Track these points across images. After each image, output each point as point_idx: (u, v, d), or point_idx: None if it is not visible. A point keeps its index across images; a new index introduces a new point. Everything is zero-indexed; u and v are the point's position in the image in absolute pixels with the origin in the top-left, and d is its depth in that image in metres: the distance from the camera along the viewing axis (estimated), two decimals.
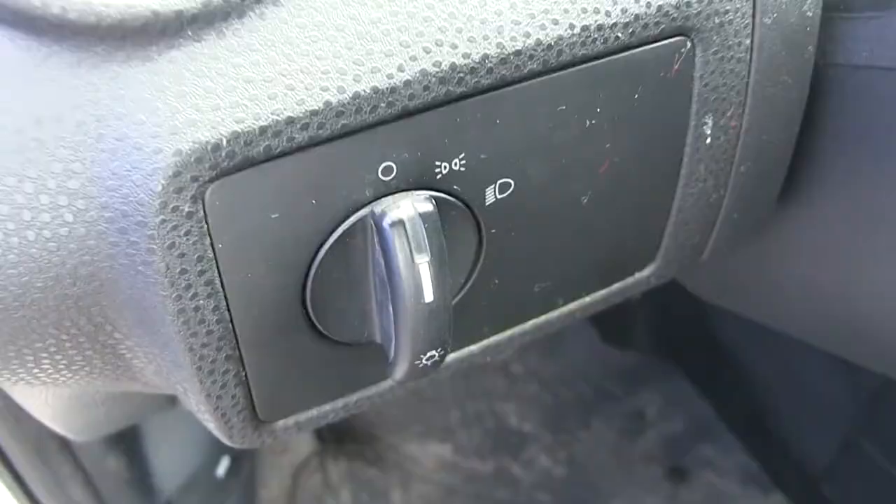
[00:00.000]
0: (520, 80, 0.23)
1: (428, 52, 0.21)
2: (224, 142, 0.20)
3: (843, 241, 0.34)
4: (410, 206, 0.22)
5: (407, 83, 0.21)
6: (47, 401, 0.37)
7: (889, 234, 0.31)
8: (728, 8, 0.25)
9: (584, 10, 0.23)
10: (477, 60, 0.22)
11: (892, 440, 0.71)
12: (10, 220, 0.19)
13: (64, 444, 0.55)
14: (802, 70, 0.29)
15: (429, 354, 0.24)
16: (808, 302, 0.38)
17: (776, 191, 0.32)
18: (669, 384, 1.14)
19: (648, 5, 0.24)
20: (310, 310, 0.24)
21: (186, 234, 0.20)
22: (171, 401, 0.40)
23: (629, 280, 0.31)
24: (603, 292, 0.31)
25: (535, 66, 0.23)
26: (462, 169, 0.23)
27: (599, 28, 0.23)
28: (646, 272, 0.31)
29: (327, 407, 0.28)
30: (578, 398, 1.13)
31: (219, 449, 0.75)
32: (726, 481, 1.00)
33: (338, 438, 1.01)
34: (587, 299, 0.31)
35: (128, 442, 0.65)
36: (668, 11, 0.24)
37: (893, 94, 0.28)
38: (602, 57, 0.24)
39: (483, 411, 1.11)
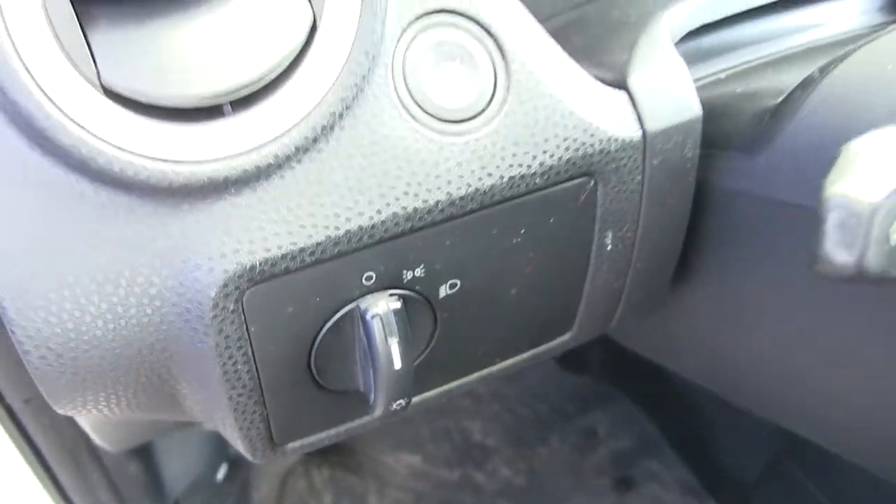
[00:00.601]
0: (463, 215, 0.30)
1: (398, 200, 0.28)
2: (257, 264, 0.27)
3: (722, 316, 0.41)
4: (385, 304, 0.29)
5: (383, 222, 0.28)
6: (95, 423, 0.44)
7: (752, 318, 0.38)
8: (623, 156, 0.32)
9: (511, 165, 0.30)
10: (432, 204, 0.29)
11: (811, 460, 0.77)
12: (108, 313, 0.26)
13: (94, 451, 0.60)
14: (685, 195, 0.35)
15: (397, 402, 0.31)
16: (703, 360, 0.45)
17: (667, 280, 0.39)
18: (619, 406, 1.18)
19: (560, 159, 0.31)
20: (313, 370, 0.31)
21: (231, 323, 0.28)
22: (188, 423, 0.47)
23: (552, 343, 0.38)
24: (531, 353, 0.38)
25: (474, 205, 0.30)
26: (422, 274, 0.31)
27: (522, 177, 0.30)
28: (565, 337, 0.38)
29: (323, 434, 0.35)
30: (537, 417, 1.16)
31: (218, 457, 0.80)
32: (668, 492, 1.05)
33: (322, 449, 1.06)
34: (519, 358, 0.38)
35: (144, 451, 0.71)
36: (575, 162, 0.31)
37: (752, 216, 0.35)
38: (525, 196, 0.32)
39: (451, 427, 1.12)
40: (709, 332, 0.41)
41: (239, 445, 0.33)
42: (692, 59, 0.39)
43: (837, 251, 0.18)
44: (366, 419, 0.35)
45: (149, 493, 0.68)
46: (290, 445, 0.34)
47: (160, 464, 0.69)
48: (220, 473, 0.77)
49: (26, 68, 0.23)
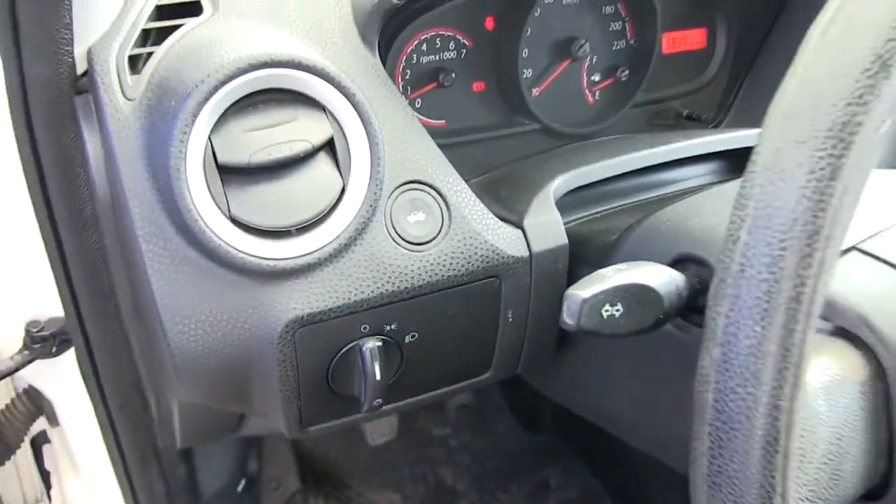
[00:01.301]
0: (421, 296, 0.49)
1: (383, 286, 0.48)
2: (305, 316, 0.47)
3: (587, 362, 0.60)
4: (373, 343, 0.49)
5: (373, 297, 0.48)
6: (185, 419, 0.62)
7: (602, 364, 0.57)
8: (517, 266, 0.52)
9: (450, 270, 0.50)
10: (402, 290, 0.48)
11: None
12: (222, 338, 0.46)
13: (156, 452, 0.75)
14: (558, 291, 0.54)
15: (376, 401, 0.50)
16: (581, 396, 0.64)
17: (552, 342, 0.57)
18: (569, 461, 1.30)
19: (479, 267, 0.50)
20: (329, 380, 0.50)
21: (287, 347, 0.47)
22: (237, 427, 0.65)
23: (479, 378, 0.57)
24: (466, 383, 0.57)
25: (426, 291, 0.49)
26: (395, 328, 0.50)
27: (456, 276, 0.50)
28: (486, 375, 0.57)
29: (332, 423, 0.53)
30: (500, 468, 1.29)
31: (240, 472, 0.98)
32: None
33: (317, 482, 1.22)
34: (458, 385, 0.57)
35: (188, 458, 0.85)
36: (487, 269, 0.51)
37: None
38: (457, 287, 0.51)
39: (427, 472, 1.25)
40: (582, 376, 0.61)
41: (282, 426, 0.52)
42: (578, 204, 0.59)
43: (566, 319, 0.38)
44: (358, 415, 0.54)
45: (190, 490, 0.85)
46: (312, 429, 0.53)
47: (198, 469, 0.86)
48: (240, 487, 0.94)
49: (195, 208, 0.44)
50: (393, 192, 0.48)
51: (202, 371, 0.47)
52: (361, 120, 0.47)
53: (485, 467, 1.29)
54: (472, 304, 0.51)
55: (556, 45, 0.67)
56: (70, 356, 0.64)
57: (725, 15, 0.73)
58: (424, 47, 0.63)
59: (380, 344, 0.49)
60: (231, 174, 0.44)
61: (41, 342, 0.62)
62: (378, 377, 0.48)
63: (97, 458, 0.72)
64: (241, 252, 0.44)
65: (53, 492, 0.83)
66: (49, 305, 0.61)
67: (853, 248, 0.38)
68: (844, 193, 0.27)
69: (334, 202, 0.46)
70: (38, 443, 0.84)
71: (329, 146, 0.46)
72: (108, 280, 0.56)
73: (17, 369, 0.63)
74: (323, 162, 0.46)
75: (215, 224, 0.44)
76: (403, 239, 0.48)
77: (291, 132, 0.45)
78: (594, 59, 0.70)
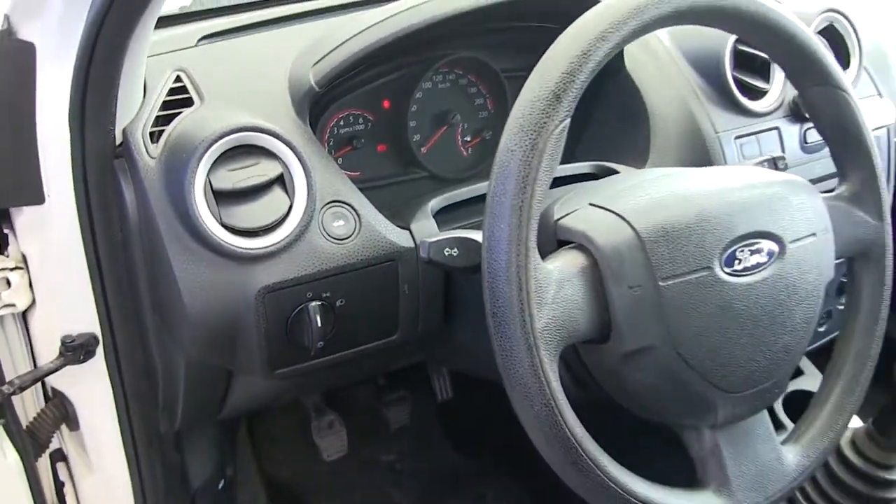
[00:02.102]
0: (344, 273, 0.80)
1: (319, 266, 0.79)
2: (271, 285, 0.76)
3: (464, 324, 0.92)
4: (315, 304, 0.77)
5: (313, 273, 0.79)
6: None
7: (473, 325, 0.88)
8: (408, 253, 0.84)
9: (362, 255, 0.82)
10: (331, 268, 0.80)
11: None
12: (216, 301, 0.77)
13: (160, 440, 0.95)
14: (437, 270, 0.88)
15: (319, 344, 0.78)
16: (464, 356, 0.95)
17: (440, 308, 0.86)
18: (503, 480, 1.54)
19: (382, 254, 0.80)
20: (287, 331, 0.79)
21: (259, 306, 0.76)
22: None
23: (390, 339, 0.86)
24: (382, 342, 0.86)
25: (347, 270, 0.80)
26: (329, 295, 0.79)
27: (366, 259, 0.80)
28: (395, 337, 0.84)
29: (291, 368, 0.80)
30: (442, 487, 1.54)
31: (220, 473, 1.22)
32: None
33: (282, 497, 1.45)
34: (375, 344, 0.87)
35: (180, 449, 1.09)
36: (388, 256, 0.81)
37: (461, 279, 0.88)
38: (367, 267, 0.81)
39: (376, 493, 1.50)
40: (463, 337, 0.92)
41: (257, 370, 0.83)
42: (459, 218, 0.92)
43: (422, 255, 0.69)
44: (309, 362, 0.83)
45: (182, 479, 1.13)
46: (277, 371, 0.83)
47: (188, 461, 1.13)
48: (220, 485, 1.22)
49: (201, 218, 0.76)
50: (323, 207, 0.80)
51: (206, 326, 0.77)
52: (300, 163, 0.78)
53: (428, 487, 1.53)
54: (379, 279, 0.82)
55: (436, 117, 1.01)
56: (92, 365, 0.88)
57: None
58: (342, 122, 0.97)
59: (319, 304, 0.79)
60: (222, 197, 0.75)
61: (73, 350, 0.83)
62: (319, 325, 0.78)
63: (109, 454, 0.94)
64: (230, 245, 0.75)
65: (68, 497, 1.03)
66: (79, 323, 0.84)
67: (589, 203, 0.69)
68: (540, 162, 0.60)
69: (285, 214, 0.77)
70: (55, 459, 1.04)
71: (280, 180, 0.78)
72: (133, 290, 0.84)
73: (55, 370, 0.87)
74: (277, 189, 0.78)
75: (213, 228, 0.75)
76: (331, 236, 0.80)
77: (256, 171, 0.77)
78: (465, 125, 1.05)
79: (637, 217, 0.66)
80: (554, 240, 0.69)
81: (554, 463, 0.63)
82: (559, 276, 0.63)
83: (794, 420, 1.14)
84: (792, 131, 1.07)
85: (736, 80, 1.03)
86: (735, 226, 0.67)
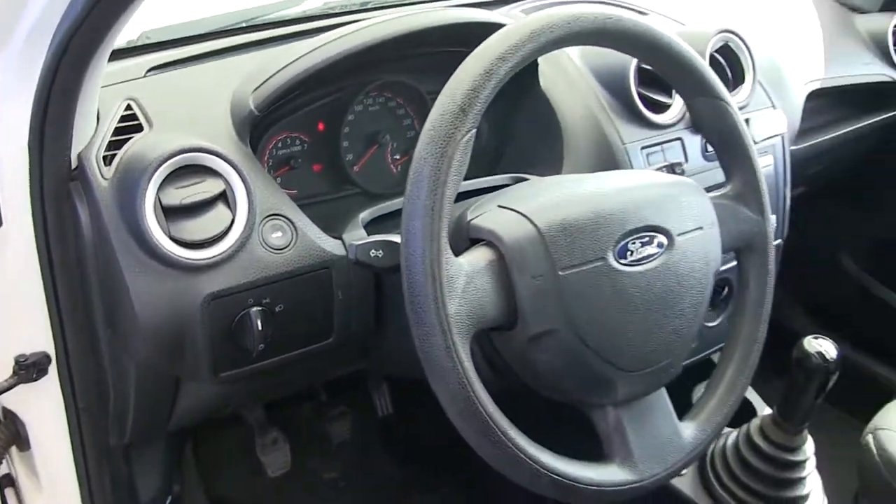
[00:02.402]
0: (282, 280, 0.89)
1: (259, 273, 0.88)
2: (215, 292, 0.85)
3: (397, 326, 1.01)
4: (256, 310, 0.86)
5: (253, 281, 0.88)
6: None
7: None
8: (340, 263, 0.91)
9: (300, 263, 0.90)
10: (270, 276, 0.87)
11: None
12: (165, 308, 0.85)
13: (107, 453, 1.00)
14: (368, 277, 0.96)
15: (259, 346, 0.86)
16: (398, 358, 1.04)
17: (372, 311, 0.93)
18: (442, 492, 1.64)
19: (315, 262, 0.89)
20: (232, 338, 0.86)
21: (205, 312, 0.83)
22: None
23: (326, 342, 0.94)
24: (319, 345, 0.94)
25: (285, 277, 0.89)
26: (269, 301, 0.88)
27: (302, 268, 0.88)
28: (330, 340, 0.91)
29: (236, 371, 0.88)
30: (383, 501, 1.64)
31: (168, 489, 1.27)
32: None
33: None
34: (314, 346, 0.95)
35: (128, 462, 1.13)
36: (322, 263, 0.89)
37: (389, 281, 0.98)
38: (303, 274, 0.89)
39: None
40: (393, 338, 1.02)
41: (204, 374, 0.91)
42: (383, 227, 1.02)
43: (349, 256, 0.79)
44: (252, 365, 0.91)
45: (130, 493, 1.18)
46: (222, 374, 0.91)
47: (136, 475, 1.18)
48: (168, 501, 1.29)
49: (151, 232, 0.82)
50: (262, 220, 0.88)
51: (156, 333, 0.83)
52: (241, 180, 0.86)
53: (370, 500, 1.62)
54: (315, 285, 0.90)
55: (367, 137, 1.11)
56: (44, 382, 0.90)
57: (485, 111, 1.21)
58: (280, 144, 1.05)
59: (260, 309, 0.87)
60: (170, 212, 0.82)
61: (25, 369, 0.88)
62: (260, 329, 0.86)
63: (59, 472, 0.99)
64: (178, 256, 0.82)
65: None
66: (32, 342, 0.89)
67: (498, 206, 0.79)
68: (449, 168, 0.71)
69: (228, 227, 0.85)
70: (2, 485, 1.11)
71: (223, 195, 0.86)
72: (87, 306, 0.90)
73: (7, 389, 0.90)
74: (221, 204, 0.86)
75: (162, 241, 0.82)
76: (270, 247, 0.88)
77: (201, 188, 0.85)
78: (394, 144, 1.14)
79: (539, 216, 0.76)
80: (467, 238, 0.79)
81: (469, 436, 0.72)
82: (469, 268, 0.72)
83: None
84: (694, 141, 1.18)
85: (640, 96, 1.14)
86: (627, 221, 0.78)
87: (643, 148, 1.13)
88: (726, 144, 0.91)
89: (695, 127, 0.90)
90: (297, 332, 0.93)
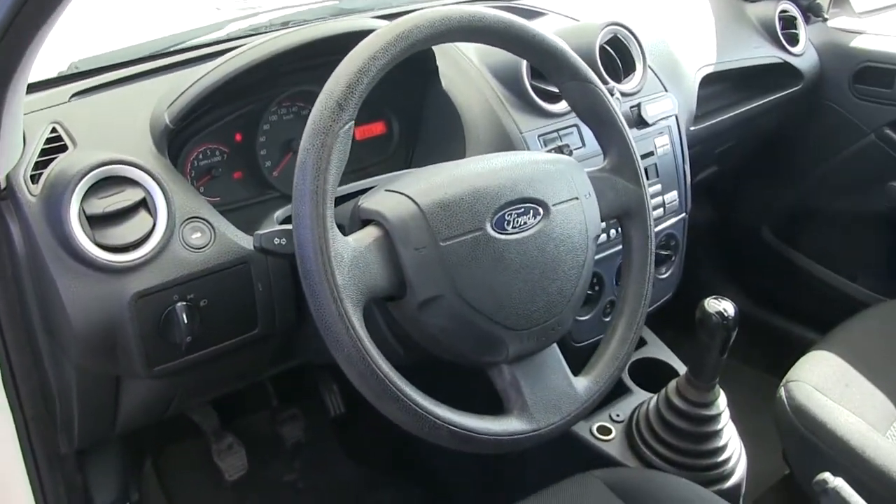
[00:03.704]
0: (203, 277, 0.99)
1: (181, 271, 0.97)
2: (143, 291, 0.93)
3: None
4: (182, 305, 0.94)
5: (175, 279, 0.97)
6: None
7: None
8: (257, 258, 0.99)
9: (219, 259, 0.98)
10: (192, 273, 0.96)
11: None
12: (95, 311, 0.92)
13: (59, 461, 1.07)
14: (285, 269, 1.04)
15: (187, 339, 0.94)
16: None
17: (293, 302, 0.99)
18: (396, 487, 1.71)
19: (235, 259, 0.97)
20: (161, 334, 0.94)
21: (133, 309, 0.92)
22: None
23: (251, 333, 1.01)
24: (245, 336, 1.01)
25: (205, 273, 0.99)
26: (193, 296, 0.97)
27: (223, 263, 0.97)
28: (255, 331, 0.97)
29: (169, 364, 0.95)
30: (340, 500, 1.69)
31: (125, 497, 1.32)
32: None
33: None
34: (241, 338, 1.03)
35: (83, 470, 1.20)
36: (240, 259, 0.98)
37: None
38: (224, 270, 1.00)
39: None
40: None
41: (138, 369, 0.98)
42: None
43: (254, 244, 0.85)
44: (182, 358, 0.98)
45: (86, 501, 1.24)
46: (156, 368, 0.97)
47: (92, 484, 1.23)
48: None
49: (78, 240, 0.89)
50: (182, 223, 0.96)
51: (89, 334, 0.90)
52: (160, 188, 0.95)
53: (329, 499, 1.67)
54: (235, 280, 0.98)
55: (283, 144, 1.19)
56: None
57: (393, 112, 1.28)
58: (201, 155, 1.13)
59: (185, 304, 0.95)
60: (94, 221, 0.88)
61: None
62: (185, 322, 0.93)
63: (12, 483, 1.03)
64: (104, 260, 0.89)
65: None
66: None
67: (385, 190, 0.87)
68: (330, 156, 0.79)
69: (150, 231, 0.93)
70: None
71: (144, 203, 0.94)
72: (27, 318, 0.98)
73: None
74: (142, 211, 0.94)
75: (89, 247, 0.89)
76: (190, 247, 0.96)
77: (122, 197, 0.93)
78: None
79: (420, 195, 0.85)
80: (359, 222, 0.87)
81: (369, 396, 0.79)
82: (356, 244, 0.81)
83: (641, 386, 1.36)
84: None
85: (534, 88, 1.24)
86: (502, 195, 0.87)
87: (541, 136, 1.22)
88: (599, 123, 1.00)
89: (571, 108, 0.99)
90: (223, 324, 1.00)
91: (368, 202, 0.87)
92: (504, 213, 0.86)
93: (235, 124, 1.16)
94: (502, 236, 0.85)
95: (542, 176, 0.90)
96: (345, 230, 0.85)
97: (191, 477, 1.61)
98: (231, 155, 1.16)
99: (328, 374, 1.66)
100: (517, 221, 0.87)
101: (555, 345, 0.94)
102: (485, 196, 0.85)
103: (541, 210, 0.88)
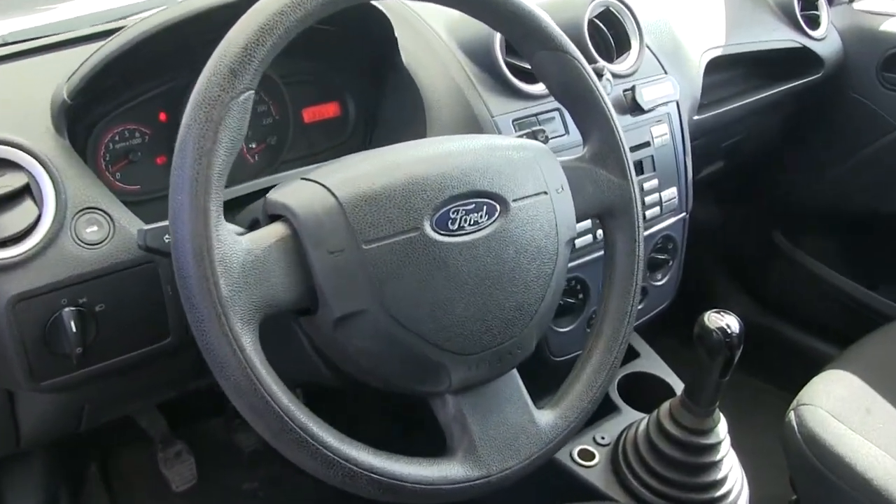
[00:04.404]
0: (97, 278, 0.84)
1: (70, 272, 0.83)
2: (22, 292, 0.79)
3: None
4: (69, 310, 0.80)
5: (62, 279, 0.82)
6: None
7: None
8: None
9: (118, 257, 0.85)
10: (83, 273, 0.82)
11: None
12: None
13: None
14: None
15: (78, 350, 0.80)
16: None
17: None
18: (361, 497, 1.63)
19: (137, 256, 0.85)
20: (46, 339, 0.80)
21: (9, 313, 0.79)
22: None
23: (163, 343, 0.88)
24: (154, 346, 0.89)
25: (103, 273, 0.84)
26: (87, 300, 0.84)
27: (124, 261, 0.85)
28: (167, 341, 0.86)
29: (60, 379, 0.82)
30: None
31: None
32: None
33: None
34: (148, 349, 0.87)
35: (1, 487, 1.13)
36: (143, 259, 0.86)
37: None
38: (126, 270, 0.85)
39: None
40: None
41: (21, 382, 0.83)
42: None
43: (137, 242, 0.71)
44: (73, 374, 0.84)
45: None
46: (43, 383, 0.83)
47: (9, 499, 1.13)
48: None
49: None
50: (75, 214, 0.83)
51: None
52: (48, 173, 0.82)
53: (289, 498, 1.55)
54: (139, 282, 0.84)
55: None
56: None
57: (348, 91, 1.14)
58: (117, 137, 0.99)
59: (76, 310, 0.81)
60: None
61: None
62: (74, 331, 0.80)
63: None
64: None
65: None
66: None
67: (301, 178, 0.73)
68: (216, 133, 0.64)
69: (34, 222, 0.80)
70: None
71: (28, 190, 0.81)
72: None
73: None
74: (26, 199, 0.80)
75: None
76: (84, 242, 0.82)
77: (2, 182, 0.80)
78: (249, 132, 1.08)
79: (341, 186, 0.70)
80: (266, 217, 0.73)
81: (266, 435, 0.65)
82: (251, 245, 0.66)
83: (631, 404, 1.21)
84: None
85: (509, 65, 1.08)
86: (447, 187, 0.72)
87: (515, 120, 1.07)
88: (577, 102, 0.85)
89: (543, 83, 0.84)
90: (125, 333, 0.87)
91: (276, 193, 0.73)
92: (448, 210, 0.71)
93: (158, 102, 1.01)
94: (445, 238, 0.71)
95: (500, 165, 0.75)
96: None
97: (140, 485, 1.48)
98: (154, 137, 1.02)
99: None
100: (466, 220, 0.72)
101: (513, 371, 0.79)
102: (424, 188, 0.70)
103: (497, 207, 0.74)
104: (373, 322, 0.68)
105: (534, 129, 1.05)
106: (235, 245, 0.65)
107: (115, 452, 1.51)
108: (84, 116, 0.93)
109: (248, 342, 0.63)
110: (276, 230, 0.69)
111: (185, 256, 0.63)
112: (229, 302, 0.63)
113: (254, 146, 1.09)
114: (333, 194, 0.69)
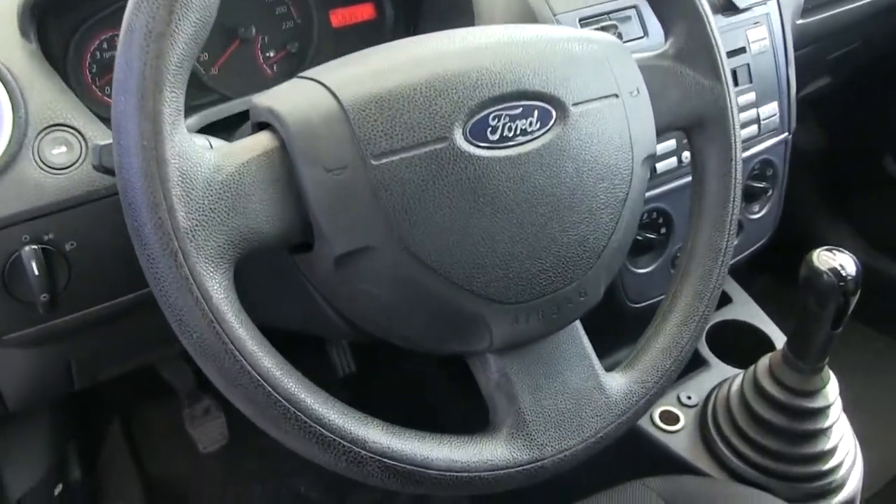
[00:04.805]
0: (61, 211, 0.70)
1: (35, 199, 0.69)
2: None
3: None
4: (31, 248, 0.68)
5: (28, 210, 0.69)
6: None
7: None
8: None
9: (84, 184, 0.71)
10: (47, 205, 0.68)
11: None
12: None
13: None
14: None
15: (43, 296, 0.67)
16: None
17: None
18: None
19: (111, 182, 0.72)
20: (8, 289, 0.69)
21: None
22: None
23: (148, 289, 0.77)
24: (142, 292, 0.76)
25: (64, 206, 0.70)
26: (53, 237, 0.71)
27: (90, 192, 0.71)
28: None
29: (27, 331, 0.71)
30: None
31: (56, 477, 1.16)
32: None
33: (162, 497, 1.37)
34: (135, 294, 0.76)
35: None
36: None
37: None
38: (86, 204, 0.71)
39: (279, 484, 1.42)
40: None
41: None
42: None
43: (93, 161, 0.55)
44: (39, 326, 0.71)
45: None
46: (6, 337, 0.71)
47: (4, 468, 1.05)
48: (57, 490, 1.12)
49: None
50: (40, 133, 0.69)
51: None
52: (3, 82, 0.68)
53: (334, 475, 1.48)
54: (120, 215, 0.72)
55: (224, 31, 0.89)
56: None
57: None
58: (105, 45, 0.84)
59: (40, 247, 0.68)
60: None
61: None
62: (37, 273, 0.67)
63: None
64: None
65: None
66: None
67: (297, 76, 0.56)
68: (171, 13, 0.46)
69: None
70: None
71: None
72: None
73: None
74: None
75: None
76: (49, 166, 0.68)
77: None
78: (265, 39, 0.92)
79: (346, 85, 0.53)
80: (252, 127, 0.57)
81: (248, 411, 0.51)
82: (220, 160, 0.50)
83: (722, 358, 1.09)
84: None
85: None
86: (483, 86, 0.55)
87: (583, 19, 0.90)
88: None
89: None
90: (104, 276, 0.74)
91: (265, 95, 0.56)
92: (487, 115, 0.55)
93: None
94: (482, 151, 0.55)
95: (558, 59, 0.59)
96: None
97: (161, 445, 1.39)
98: None
99: None
100: (510, 128, 0.56)
101: (575, 324, 0.63)
102: (455, 86, 0.54)
103: (553, 112, 0.58)
104: (386, 261, 0.53)
105: (605, 24, 0.87)
106: (200, 160, 0.49)
107: (141, 406, 1.41)
108: (60, 19, 0.79)
109: (216, 288, 0.48)
110: (257, 141, 0.53)
111: (130, 175, 0.48)
112: (189, 235, 0.48)
113: (271, 55, 0.94)
114: (334, 95, 0.53)
